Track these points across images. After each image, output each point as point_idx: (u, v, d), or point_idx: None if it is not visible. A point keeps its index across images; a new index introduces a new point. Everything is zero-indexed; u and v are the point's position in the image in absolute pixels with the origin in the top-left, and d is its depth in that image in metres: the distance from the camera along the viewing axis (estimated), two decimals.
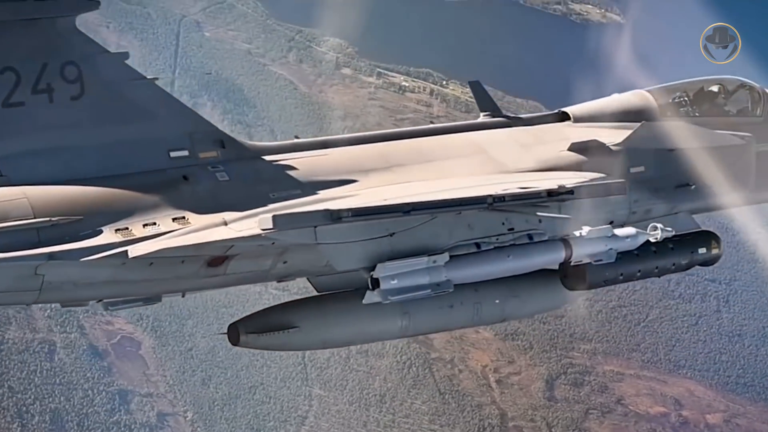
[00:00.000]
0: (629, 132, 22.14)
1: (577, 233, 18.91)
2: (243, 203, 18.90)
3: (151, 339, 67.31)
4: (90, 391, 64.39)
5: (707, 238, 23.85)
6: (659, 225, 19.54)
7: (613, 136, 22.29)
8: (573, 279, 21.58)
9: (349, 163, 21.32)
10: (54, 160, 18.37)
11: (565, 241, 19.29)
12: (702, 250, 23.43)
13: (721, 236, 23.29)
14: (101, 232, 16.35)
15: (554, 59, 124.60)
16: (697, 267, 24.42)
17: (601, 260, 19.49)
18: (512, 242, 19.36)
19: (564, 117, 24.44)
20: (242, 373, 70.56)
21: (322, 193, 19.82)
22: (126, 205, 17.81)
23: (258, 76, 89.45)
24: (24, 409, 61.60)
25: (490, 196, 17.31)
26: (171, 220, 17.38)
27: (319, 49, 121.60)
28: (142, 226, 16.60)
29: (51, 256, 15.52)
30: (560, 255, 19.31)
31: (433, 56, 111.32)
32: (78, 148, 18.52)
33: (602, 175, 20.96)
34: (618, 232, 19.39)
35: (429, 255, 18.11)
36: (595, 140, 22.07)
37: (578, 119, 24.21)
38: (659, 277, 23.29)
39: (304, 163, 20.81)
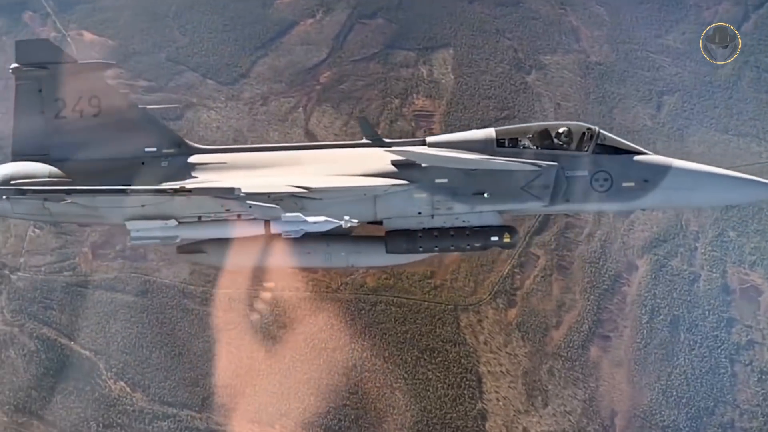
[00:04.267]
0: (454, 157, 28.23)
1: (282, 216, 25.56)
2: (167, 180, 28.84)
3: None
4: (709, 313, 76.13)
5: (502, 230, 28.85)
6: (347, 217, 25.14)
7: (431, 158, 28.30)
8: (386, 245, 28.89)
9: (253, 161, 30.24)
10: (78, 149, 30.59)
11: (266, 221, 25.85)
12: (494, 238, 28.59)
13: (518, 230, 29.02)
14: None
15: None
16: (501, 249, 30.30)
17: (290, 234, 25.90)
18: (227, 218, 26.20)
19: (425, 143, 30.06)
20: None
21: (216, 177, 29.50)
22: (104, 174, 29.08)
23: None
24: (655, 310, 76.84)
25: (178, 189, 25.23)
26: (123, 184, 26.78)
27: None
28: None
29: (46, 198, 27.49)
30: (260, 229, 26.02)
31: None
32: (93, 143, 30.48)
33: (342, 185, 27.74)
34: (309, 219, 25.30)
35: (162, 220, 26.07)
36: (407, 159, 28.29)
37: (431, 145, 29.67)
38: (460, 252, 29.31)
39: (219, 160, 30.50)
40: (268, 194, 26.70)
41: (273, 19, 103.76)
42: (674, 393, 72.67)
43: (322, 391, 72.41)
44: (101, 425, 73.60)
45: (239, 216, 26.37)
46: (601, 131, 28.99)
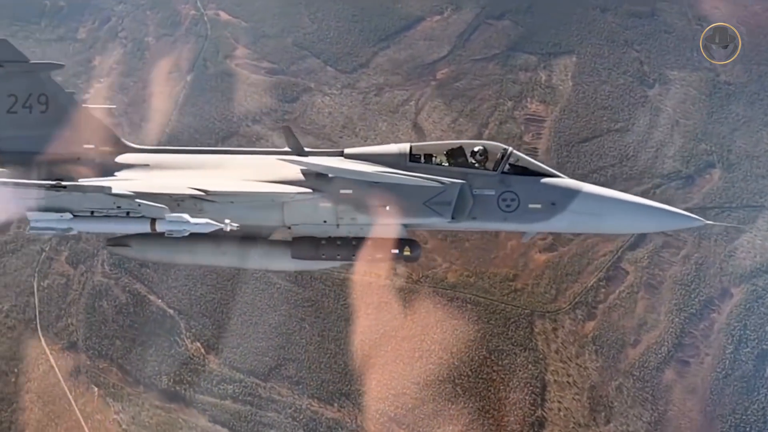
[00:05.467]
0: (367, 170, 28.19)
1: (167, 216, 25.97)
2: (99, 175, 30.30)
3: None
4: None
5: (404, 243, 28.89)
6: (227, 220, 25.48)
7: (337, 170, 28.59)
8: (291, 251, 29.67)
9: (172, 162, 31.45)
10: (25, 142, 31.31)
11: (153, 220, 26.11)
12: (395, 251, 28.73)
13: (420, 245, 28.85)
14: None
15: None
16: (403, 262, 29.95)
17: (172, 233, 26.05)
18: (117, 214, 26.71)
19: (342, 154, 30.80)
20: None
21: (134, 175, 30.68)
22: (44, 167, 30.48)
23: None
24: (743, 342, 74.05)
25: (54, 184, 25.82)
26: (55, 179, 27.21)
27: None
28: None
29: None
30: (146, 227, 26.31)
31: None
32: (39, 137, 31.37)
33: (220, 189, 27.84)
34: (192, 220, 25.71)
35: (59, 212, 26.53)
36: (316, 171, 28.75)
37: (348, 157, 29.98)
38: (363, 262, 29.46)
39: (143, 161, 31.60)
40: (170, 195, 27.71)
41: (401, 13, 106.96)
42: (748, 429, 69.33)
43: (384, 377, 74.07)
44: (172, 380, 78.08)
45: (128, 213, 27.13)
46: (515, 152, 28.59)
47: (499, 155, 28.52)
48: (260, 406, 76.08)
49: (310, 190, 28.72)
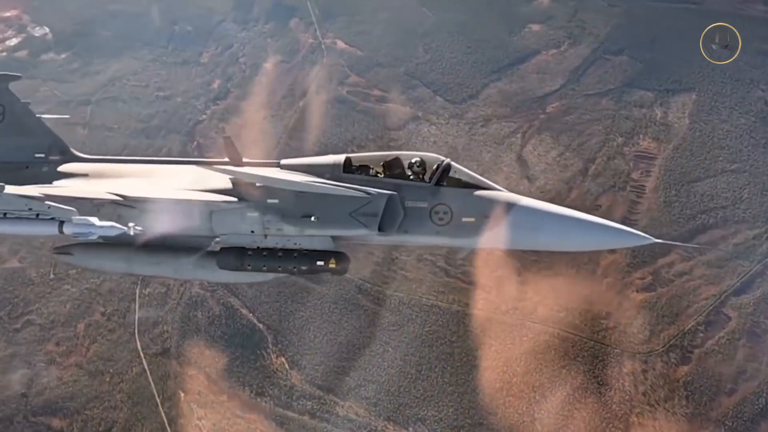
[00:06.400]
0: (292, 179, 27.49)
1: (73, 218, 25.70)
2: (42, 182, 30.76)
3: None
4: None
5: (329, 255, 28.37)
6: (131, 224, 24.94)
7: (267, 179, 27.95)
8: (217, 261, 29.61)
9: (111, 171, 32.09)
10: None
11: (61, 222, 25.84)
12: (320, 263, 28.19)
13: (349, 258, 28.61)
14: None
15: None
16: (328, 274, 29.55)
17: (79, 237, 26.16)
18: (27, 216, 26.38)
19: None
20: None
21: (68, 183, 31.50)
22: None
23: None
24: None
25: None
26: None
27: None
28: None
29: None
30: (54, 229, 26.00)
31: None
32: None
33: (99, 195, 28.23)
34: (98, 223, 25.34)
35: None
36: (244, 179, 28.38)
37: (284, 167, 29.45)
38: (288, 274, 29.12)
39: (83, 170, 32.46)
40: (90, 199, 28.19)
41: (516, 46, 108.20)
42: None
43: (463, 405, 73.91)
44: (254, 392, 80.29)
45: (38, 215, 26.89)
46: (453, 164, 27.20)
47: (435, 167, 27.33)
48: (337, 424, 77.09)
49: (236, 199, 28.70)
